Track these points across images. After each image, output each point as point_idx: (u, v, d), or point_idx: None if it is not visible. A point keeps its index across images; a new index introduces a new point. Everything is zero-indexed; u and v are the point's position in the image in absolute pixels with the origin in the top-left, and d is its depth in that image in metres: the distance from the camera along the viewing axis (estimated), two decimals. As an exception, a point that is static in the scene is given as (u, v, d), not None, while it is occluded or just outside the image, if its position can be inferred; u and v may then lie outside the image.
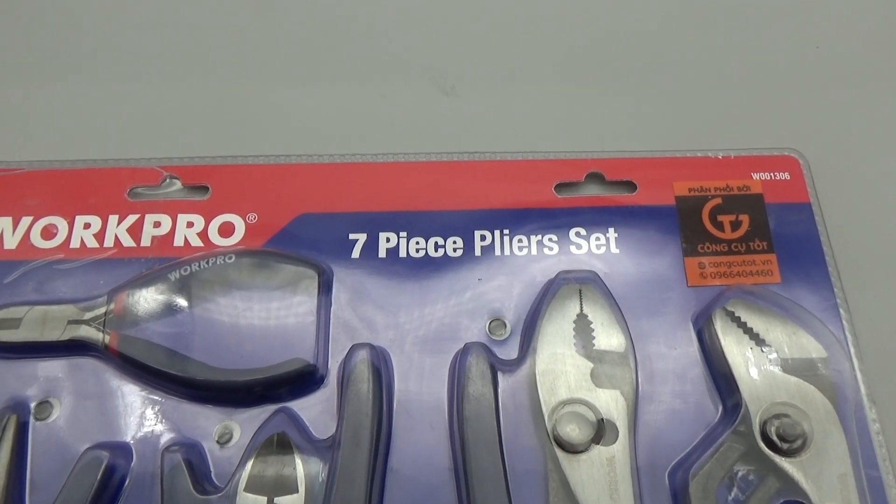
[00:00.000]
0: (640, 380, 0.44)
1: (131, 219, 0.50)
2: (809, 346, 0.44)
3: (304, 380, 0.45)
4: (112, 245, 0.49)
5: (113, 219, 0.50)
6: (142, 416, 0.45)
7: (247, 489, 0.41)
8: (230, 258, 0.47)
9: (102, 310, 0.46)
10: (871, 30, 0.60)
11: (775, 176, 0.52)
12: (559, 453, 0.41)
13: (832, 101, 0.57)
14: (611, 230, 0.50)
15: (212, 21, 0.61)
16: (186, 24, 0.61)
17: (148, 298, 0.46)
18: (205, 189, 0.51)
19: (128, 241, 0.50)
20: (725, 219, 0.50)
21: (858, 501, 0.40)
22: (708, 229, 0.50)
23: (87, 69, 0.59)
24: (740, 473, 0.42)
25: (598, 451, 0.42)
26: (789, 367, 0.44)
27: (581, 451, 0.41)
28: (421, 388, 0.45)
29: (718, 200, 0.51)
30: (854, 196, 0.52)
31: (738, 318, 0.45)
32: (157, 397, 0.45)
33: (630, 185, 0.51)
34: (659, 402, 0.45)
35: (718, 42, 0.60)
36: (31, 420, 0.45)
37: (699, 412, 0.44)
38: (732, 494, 0.42)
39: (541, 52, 0.59)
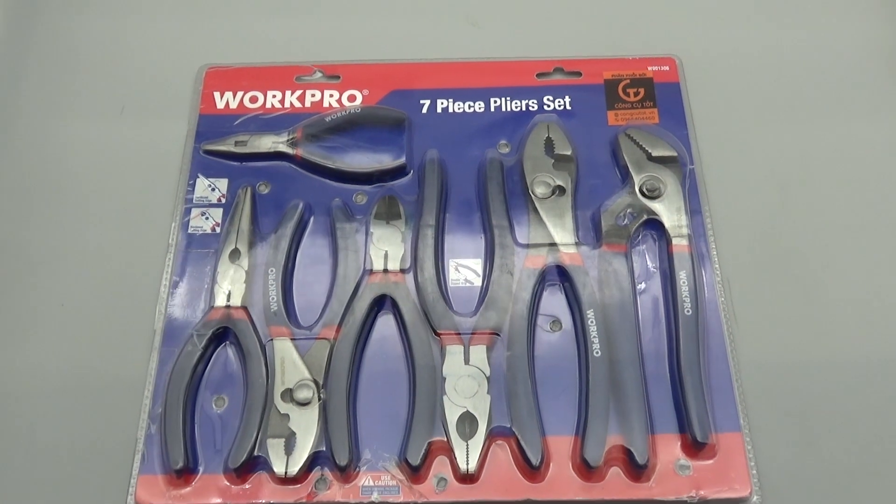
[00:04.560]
0: (579, 169, 0.84)
1: (298, 92, 0.90)
2: (668, 151, 0.83)
3: (399, 171, 0.84)
4: (289, 106, 0.89)
5: (288, 92, 0.90)
6: (313, 189, 0.84)
7: (375, 217, 0.81)
8: (358, 109, 0.87)
9: (291, 136, 0.86)
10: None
11: (661, 68, 0.90)
12: (534, 198, 0.81)
13: (700, 23, 0.97)
14: (567, 97, 0.89)
15: None
16: None
17: (315, 129, 0.86)
18: (338, 77, 0.91)
19: (297, 104, 0.89)
20: (631, 90, 0.89)
21: (685, 220, 0.79)
22: (621, 96, 0.89)
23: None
24: (629, 210, 0.81)
25: (556, 198, 0.81)
26: (657, 160, 0.82)
27: (546, 198, 0.81)
28: (461, 169, 0.85)
29: (627, 81, 0.89)
30: (708, 79, 0.91)
31: (632, 137, 0.84)
32: (322, 181, 0.85)
33: (578, 74, 0.90)
34: (589, 181, 0.84)
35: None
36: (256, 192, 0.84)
37: (610, 187, 0.83)
38: (624, 221, 0.81)
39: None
